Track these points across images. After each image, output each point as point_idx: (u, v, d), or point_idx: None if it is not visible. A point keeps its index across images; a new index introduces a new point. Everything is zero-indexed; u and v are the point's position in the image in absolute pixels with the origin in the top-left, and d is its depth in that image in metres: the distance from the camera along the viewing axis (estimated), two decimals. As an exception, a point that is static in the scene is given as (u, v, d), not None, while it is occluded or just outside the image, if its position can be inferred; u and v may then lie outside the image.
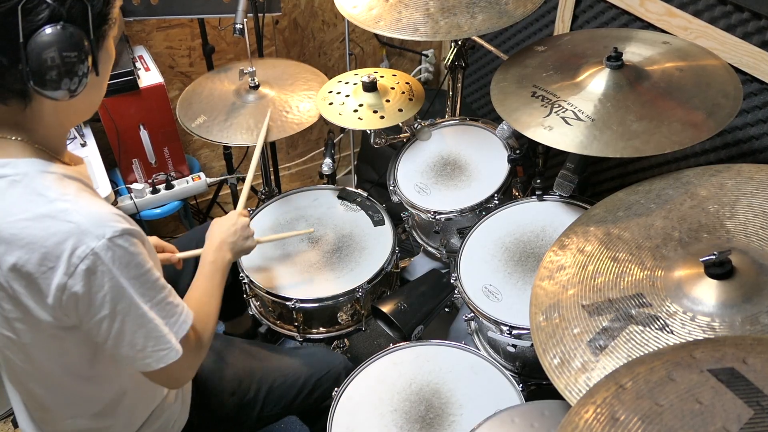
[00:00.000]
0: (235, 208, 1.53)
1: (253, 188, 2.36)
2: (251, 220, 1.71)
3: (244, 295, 1.65)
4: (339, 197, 1.76)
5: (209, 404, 1.33)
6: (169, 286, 1.04)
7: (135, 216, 2.01)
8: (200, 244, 1.38)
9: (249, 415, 1.37)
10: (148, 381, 1.07)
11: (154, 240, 1.43)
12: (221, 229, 1.37)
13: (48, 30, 0.87)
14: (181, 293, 1.15)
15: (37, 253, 0.91)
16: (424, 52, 2.75)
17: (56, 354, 1.03)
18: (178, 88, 2.29)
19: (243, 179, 2.33)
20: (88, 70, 0.93)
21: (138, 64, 2.00)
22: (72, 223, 0.91)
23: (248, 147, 2.34)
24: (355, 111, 1.66)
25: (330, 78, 1.82)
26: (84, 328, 0.98)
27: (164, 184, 2.06)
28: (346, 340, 1.88)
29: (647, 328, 0.94)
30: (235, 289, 1.69)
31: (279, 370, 1.41)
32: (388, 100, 1.67)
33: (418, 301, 1.53)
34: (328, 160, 1.83)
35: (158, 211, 2.06)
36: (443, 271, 1.69)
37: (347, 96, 1.70)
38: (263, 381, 1.38)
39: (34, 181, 0.94)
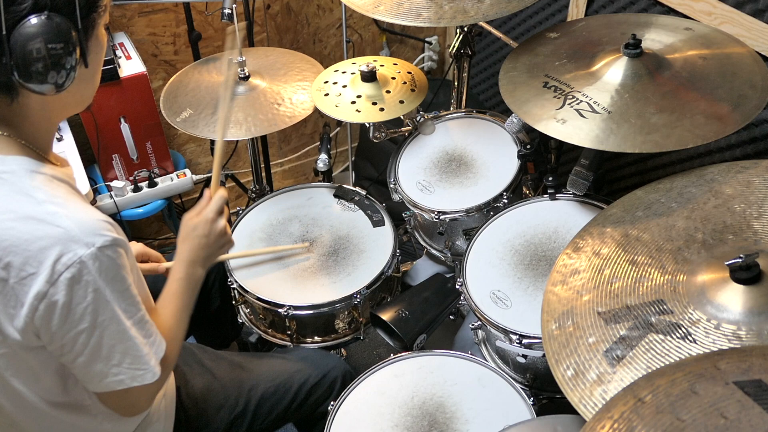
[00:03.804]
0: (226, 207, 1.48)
1: (242, 186, 2.37)
2: (239, 221, 1.71)
3: (233, 302, 1.65)
4: (335, 196, 1.77)
5: (195, 422, 1.33)
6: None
7: (115, 216, 2.01)
8: None
9: (239, 430, 1.37)
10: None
11: (139, 247, 1.43)
12: (194, 238, 1.26)
13: (32, 21, 0.88)
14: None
15: (18, 256, 0.91)
16: (427, 39, 2.76)
17: (29, 378, 1.03)
18: (162, 78, 2.29)
19: (232, 176, 2.34)
20: (76, 63, 0.94)
21: (118, 52, 2.00)
22: (61, 228, 0.91)
23: (237, 142, 2.36)
24: (353, 103, 1.66)
25: (326, 67, 1.82)
26: (55, 344, 0.97)
27: (147, 182, 2.06)
28: (343, 349, 1.88)
29: (668, 337, 0.95)
30: (226, 314, 1.68)
31: (269, 379, 1.41)
32: (388, 91, 1.67)
33: (420, 308, 1.54)
34: (323, 156, 1.83)
35: (140, 210, 2.06)
36: (448, 276, 1.69)
37: (344, 86, 1.70)
38: (252, 392, 1.38)
39: (22, 181, 0.95)
